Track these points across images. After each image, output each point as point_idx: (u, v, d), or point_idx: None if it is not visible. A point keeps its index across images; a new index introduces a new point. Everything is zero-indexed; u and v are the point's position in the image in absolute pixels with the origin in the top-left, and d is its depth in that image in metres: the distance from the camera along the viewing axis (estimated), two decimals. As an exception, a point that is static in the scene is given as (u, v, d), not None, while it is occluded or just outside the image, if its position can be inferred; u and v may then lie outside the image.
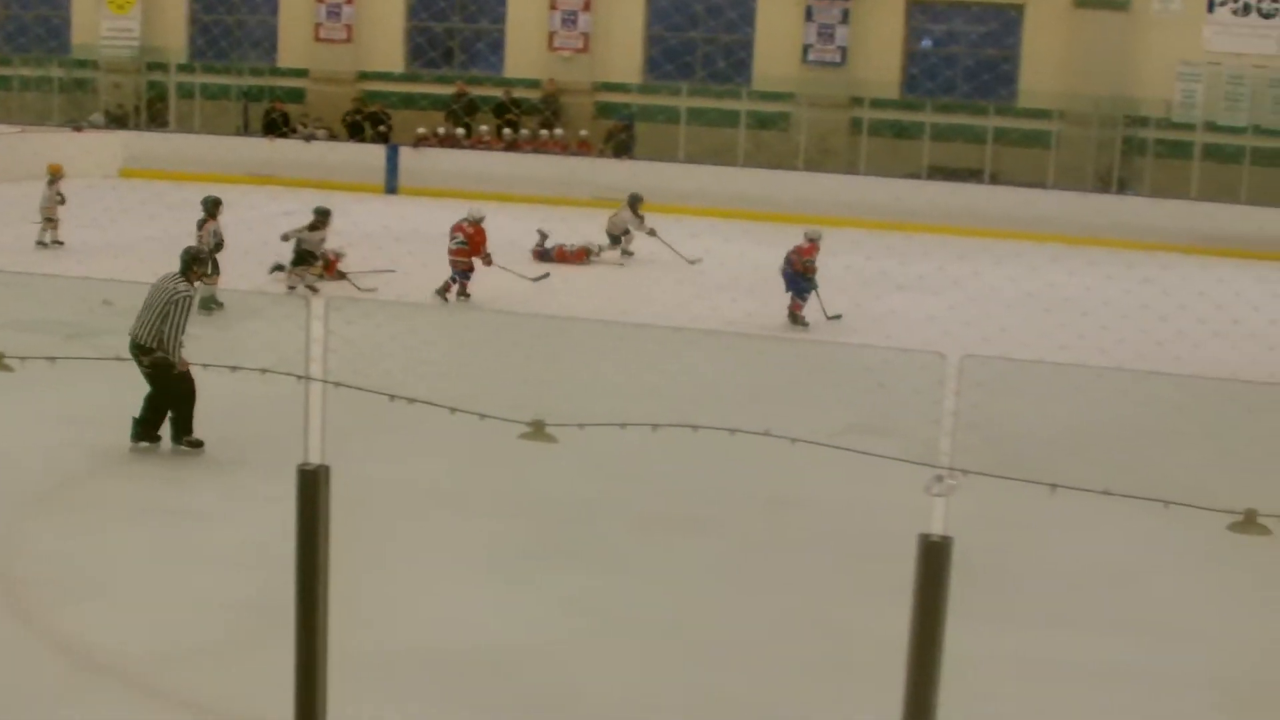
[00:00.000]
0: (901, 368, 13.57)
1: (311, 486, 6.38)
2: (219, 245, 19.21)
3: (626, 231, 26.87)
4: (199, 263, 13.75)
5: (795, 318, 20.33)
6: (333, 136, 37.03)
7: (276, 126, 36.99)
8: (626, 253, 26.95)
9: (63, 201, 24.46)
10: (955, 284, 19.42)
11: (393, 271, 21.62)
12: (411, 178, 35.23)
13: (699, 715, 8.78)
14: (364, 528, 10.73)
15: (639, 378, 15.85)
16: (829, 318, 20.10)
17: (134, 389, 13.81)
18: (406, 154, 35.83)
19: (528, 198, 33.01)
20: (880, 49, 36.56)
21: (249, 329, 11.93)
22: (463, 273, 21.28)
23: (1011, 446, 13.87)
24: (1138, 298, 19.14)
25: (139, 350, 13.04)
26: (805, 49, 36.62)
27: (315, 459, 6.37)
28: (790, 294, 20.61)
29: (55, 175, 24.71)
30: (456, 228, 21.52)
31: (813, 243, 20.68)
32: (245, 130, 38.42)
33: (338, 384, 6.51)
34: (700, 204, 31.59)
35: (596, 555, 11.30)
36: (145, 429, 13.39)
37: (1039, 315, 18.80)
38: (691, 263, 24.49)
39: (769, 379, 15.50)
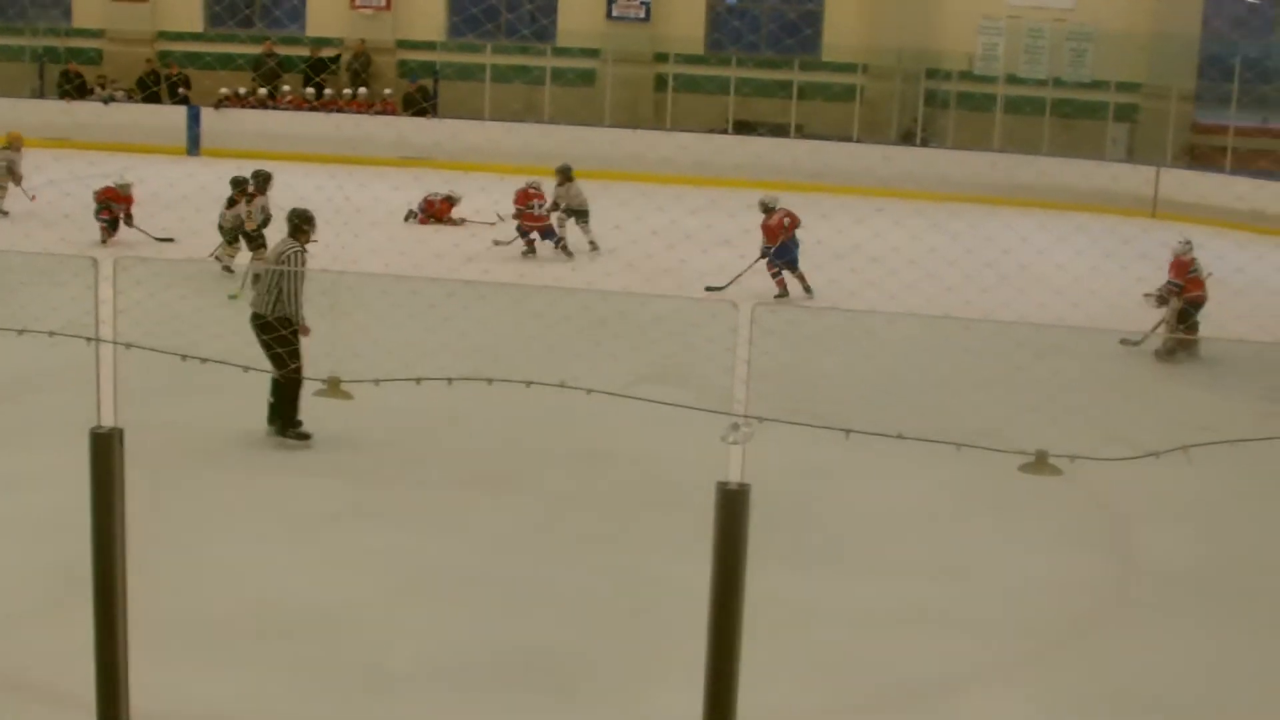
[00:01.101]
0: (694, 317, 13.72)
1: (105, 449, 6.29)
2: (266, 220, 19.22)
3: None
4: (308, 223, 13.29)
5: (806, 288, 20.23)
6: (132, 98, 36.29)
7: (73, 89, 36.15)
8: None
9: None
10: (749, 235, 19.65)
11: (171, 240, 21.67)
12: (214, 139, 34.66)
13: (510, 669, 8.80)
14: (164, 490, 10.62)
15: (433, 333, 15.82)
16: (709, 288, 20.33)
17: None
18: (208, 115, 35.24)
19: (332, 157, 32.68)
20: (685, 5, 36.68)
21: (37, 292, 11.64)
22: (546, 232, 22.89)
23: (806, 394, 14.08)
24: (926, 243, 19.49)
25: (260, 324, 12.58)
26: (609, 5, 36.61)
27: (108, 422, 6.28)
28: (779, 268, 20.40)
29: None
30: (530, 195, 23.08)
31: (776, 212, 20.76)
32: (41, 93, 37.50)
33: (129, 345, 6.41)
34: (506, 162, 31.45)
35: (402, 512, 11.28)
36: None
37: (830, 263, 19.07)
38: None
39: (561, 332, 15.54)
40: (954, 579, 10.50)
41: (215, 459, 12.29)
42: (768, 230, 20.44)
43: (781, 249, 20.25)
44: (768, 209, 20.62)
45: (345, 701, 8.37)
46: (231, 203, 19.54)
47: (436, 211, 26.02)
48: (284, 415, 12.62)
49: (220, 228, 19.75)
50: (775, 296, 19.82)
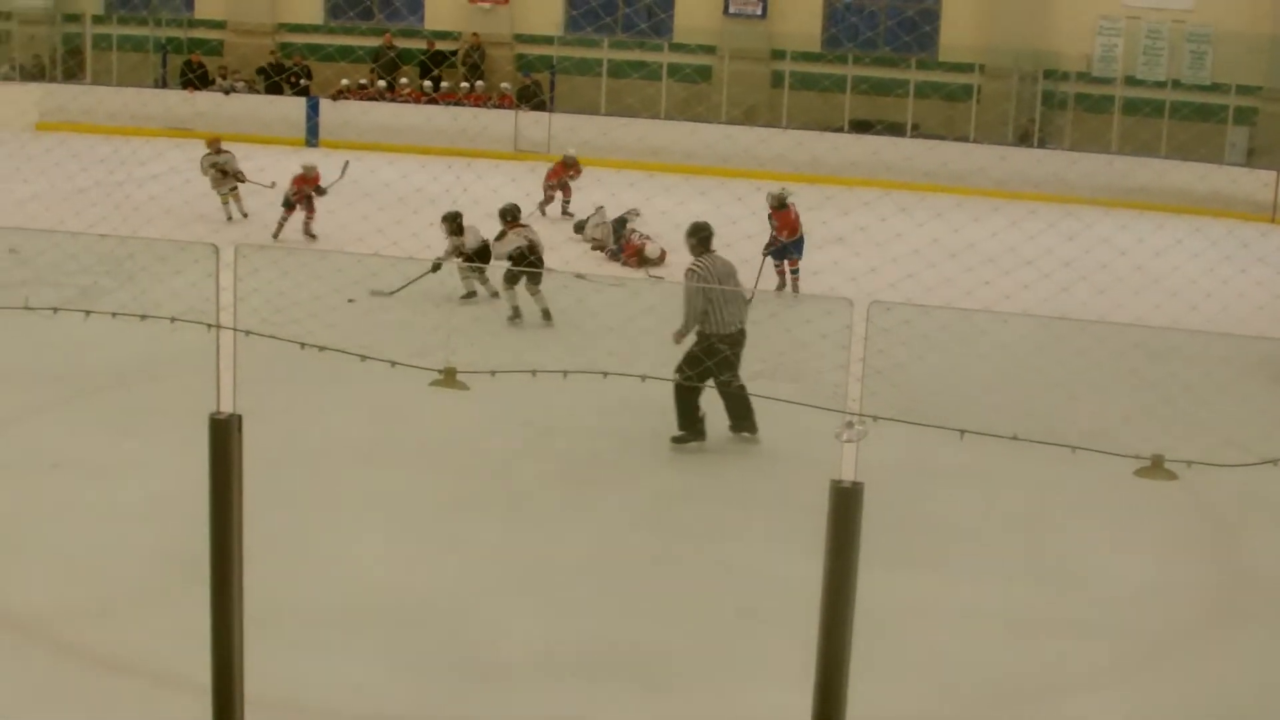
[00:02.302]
0: (809, 314, 13.68)
1: (224, 436, 6.35)
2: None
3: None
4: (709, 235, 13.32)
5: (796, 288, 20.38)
6: (252, 89, 36.70)
7: (195, 80, 36.61)
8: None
9: None
10: (864, 233, 19.50)
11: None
12: (331, 131, 34.97)
13: (615, 663, 8.82)
14: (278, 478, 10.72)
15: (547, 327, 15.91)
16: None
17: (37, 341, 13.73)
18: (327, 107, 35.57)
19: (448, 150, 32.84)
20: (802, 1, 36.54)
21: (157, 278, 11.79)
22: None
23: (917, 392, 13.99)
24: (1041, 244, 19.26)
25: (738, 339, 12.62)
26: (726, 2, 36.56)
27: (227, 408, 6.34)
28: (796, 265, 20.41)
29: None
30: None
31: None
32: (163, 83, 37.99)
33: (249, 332, 6.48)
34: (621, 158, 31.48)
35: (510, 505, 11.31)
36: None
37: (943, 261, 18.90)
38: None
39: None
40: (1062, 582, 10.40)
41: (329, 448, 12.39)
42: (788, 224, 20.11)
43: (797, 243, 20.19)
44: (781, 202, 20.20)
45: (453, 691, 8.41)
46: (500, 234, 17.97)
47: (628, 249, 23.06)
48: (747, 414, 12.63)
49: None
50: (778, 289, 20.18)
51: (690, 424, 12.47)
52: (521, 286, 16.76)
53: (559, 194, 26.89)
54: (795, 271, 20.35)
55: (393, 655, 8.75)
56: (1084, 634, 9.58)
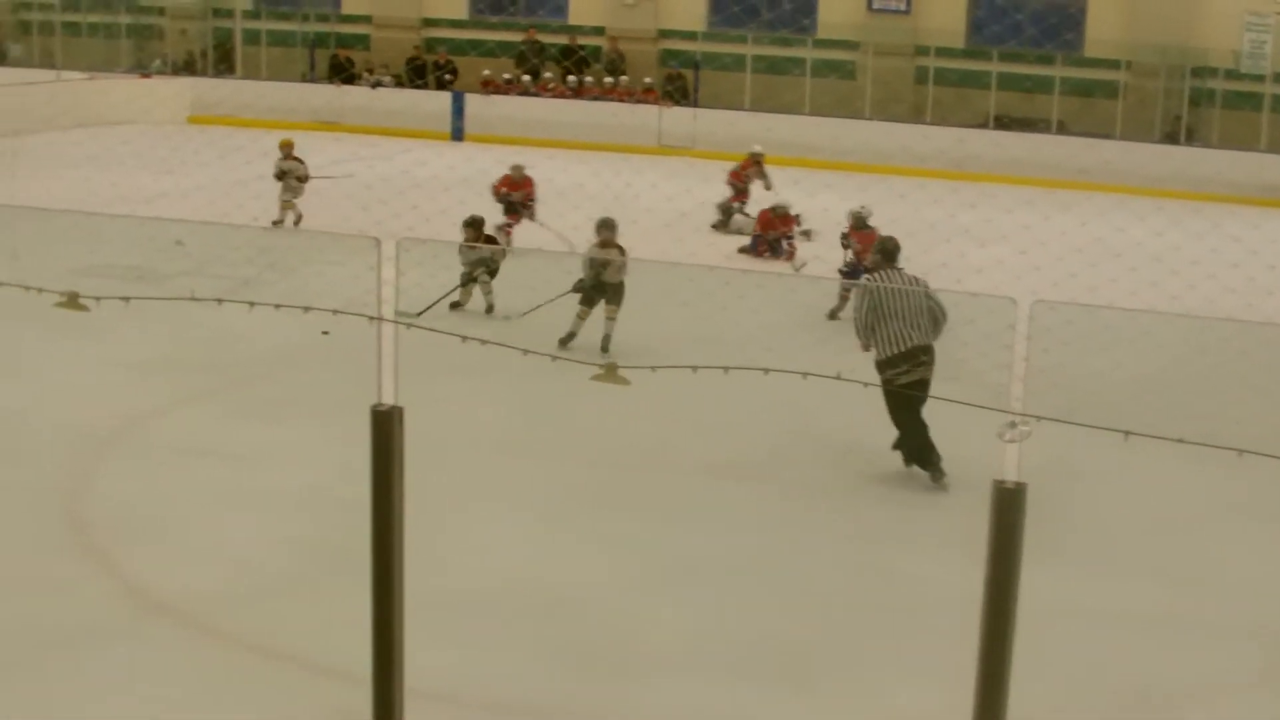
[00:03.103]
0: (971, 312, 13.51)
1: (386, 427, 6.39)
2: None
3: None
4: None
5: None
6: (398, 83, 37.06)
7: (342, 72, 37.04)
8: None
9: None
10: (1020, 232, 19.20)
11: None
12: (477, 124, 35.23)
13: (757, 660, 8.79)
14: (433, 470, 10.78)
15: (710, 320, 15.85)
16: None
17: (198, 332, 13.97)
18: (472, 100, 35.82)
19: (592, 145, 33.01)
20: (946, -4, 36.31)
21: (317, 270, 11.93)
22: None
23: (1078, 393, 13.82)
24: (1207, 244, 18.94)
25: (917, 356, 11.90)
26: (870, -3, 36.41)
27: (389, 400, 6.38)
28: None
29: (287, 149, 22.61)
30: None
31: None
32: (311, 76, 38.49)
33: (410, 324, 6.51)
34: (765, 152, 31.42)
35: (663, 500, 11.31)
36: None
37: (1107, 262, 18.61)
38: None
39: (839, 323, 15.47)
40: (1222, 588, 10.22)
41: (485, 440, 12.45)
42: (869, 247, 16.70)
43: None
44: (863, 221, 18.12)
45: (602, 683, 8.42)
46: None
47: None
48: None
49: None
50: (831, 313, 17.55)
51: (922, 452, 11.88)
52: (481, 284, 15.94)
53: (737, 192, 25.30)
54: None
55: (543, 647, 8.77)
56: (1239, 640, 9.41)
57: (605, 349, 14.90)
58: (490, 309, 16.00)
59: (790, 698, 8.38)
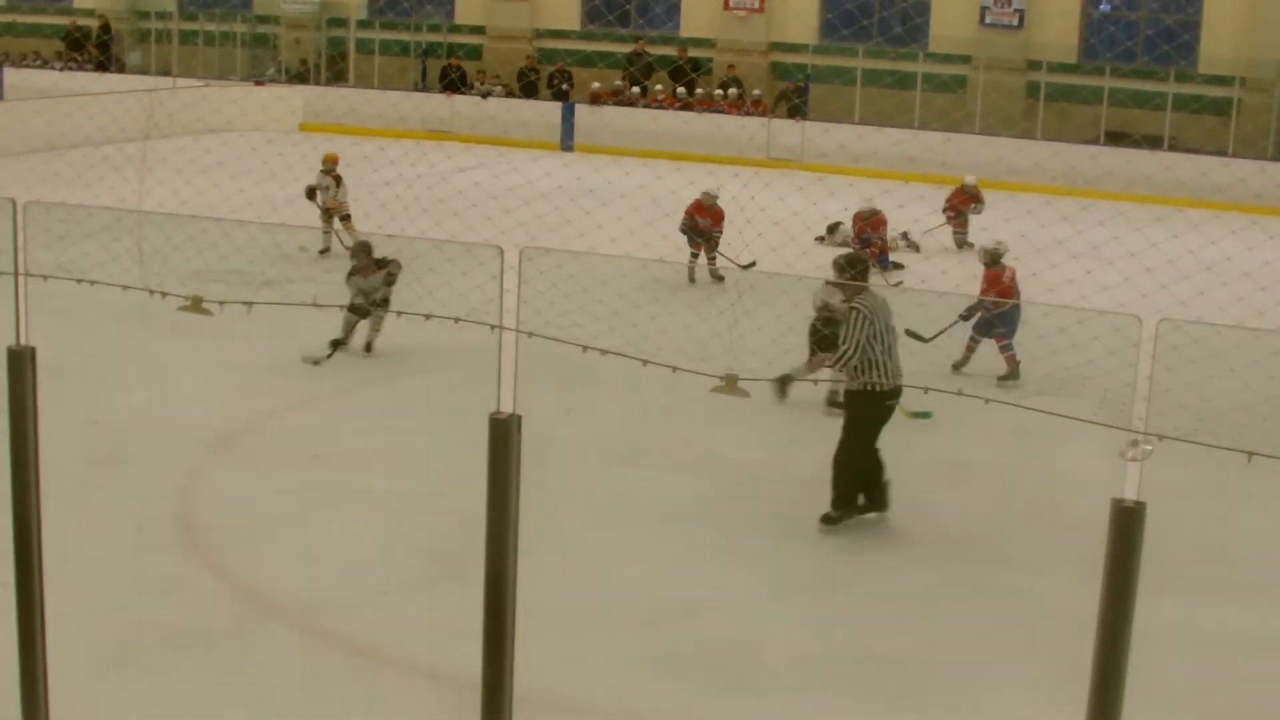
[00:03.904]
0: (1095, 329, 13.38)
1: (504, 436, 6.42)
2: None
3: None
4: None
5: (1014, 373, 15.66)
6: (509, 93, 37.29)
7: (454, 83, 37.31)
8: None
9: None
10: (1148, 250, 18.89)
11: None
12: (586, 135, 35.38)
13: (861, 674, 8.77)
14: (550, 479, 10.84)
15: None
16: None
17: (320, 336, 14.14)
18: (582, 111, 35.96)
19: (703, 157, 33.05)
20: (1058, 12, 36.02)
21: (441, 279, 11.94)
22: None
23: (1206, 412, 13.66)
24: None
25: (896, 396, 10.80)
26: (983, 11, 36.21)
27: (507, 408, 6.42)
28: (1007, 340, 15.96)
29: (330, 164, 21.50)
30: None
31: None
32: (423, 86, 38.81)
33: (530, 334, 6.55)
34: (874, 166, 31.33)
35: (772, 513, 11.29)
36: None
37: (1236, 281, 18.35)
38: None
39: (955, 339, 15.40)
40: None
41: (601, 448, 12.50)
42: (998, 288, 15.99)
43: (1008, 315, 15.44)
44: (995, 258, 16.28)
45: (708, 694, 8.44)
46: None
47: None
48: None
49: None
50: (957, 365, 15.57)
51: (849, 501, 10.95)
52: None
53: (953, 223, 24.50)
54: (1006, 348, 15.60)
55: (650, 656, 8.80)
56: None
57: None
58: (370, 347, 15.03)
59: (902, 715, 8.37)
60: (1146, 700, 6.47)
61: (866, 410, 10.65)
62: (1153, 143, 33.66)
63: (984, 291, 16.06)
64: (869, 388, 10.45)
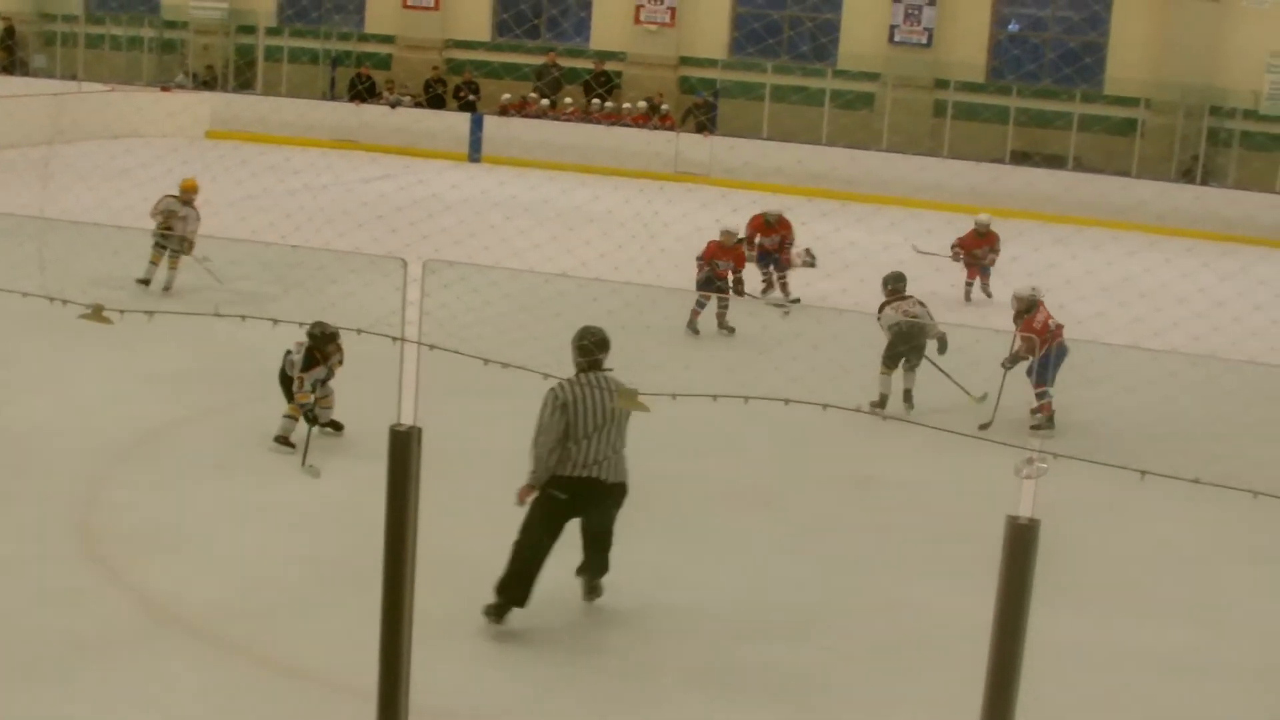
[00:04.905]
0: (993, 348, 13.52)
1: (404, 447, 6.42)
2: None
3: None
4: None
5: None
6: (418, 103, 37.20)
7: (362, 92, 37.19)
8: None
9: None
10: (1047, 270, 19.08)
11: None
12: (494, 147, 35.33)
13: (756, 686, 8.81)
14: (448, 491, 10.81)
15: (734, 351, 15.87)
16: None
17: (221, 347, 14.04)
18: (491, 123, 35.92)
19: (610, 170, 33.14)
20: (967, 31, 36.33)
21: (345, 290, 11.95)
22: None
23: (1105, 432, 13.83)
24: (1233, 286, 18.93)
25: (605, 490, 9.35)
26: (891, 30, 36.45)
27: (408, 420, 6.42)
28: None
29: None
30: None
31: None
32: (331, 95, 38.64)
33: (433, 346, 6.55)
34: (781, 182, 31.50)
35: (673, 527, 11.31)
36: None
37: (1134, 302, 18.58)
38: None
39: (863, 355, 15.51)
40: (1233, 629, 10.23)
41: (497, 460, 12.44)
42: (1036, 334, 14.43)
43: (1048, 360, 14.26)
44: (1031, 305, 15.05)
45: (603, 709, 8.44)
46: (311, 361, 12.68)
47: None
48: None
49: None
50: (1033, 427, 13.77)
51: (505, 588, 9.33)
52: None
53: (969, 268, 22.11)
54: (1042, 395, 14.04)
55: (548, 669, 8.80)
56: (1248, 681, 9.42)
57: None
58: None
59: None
60: (1039, 714, 6.54)
61: (544, 503, 9.19)
62: (1058, 163, 34.04)
63: (1036, 339, 14.46)
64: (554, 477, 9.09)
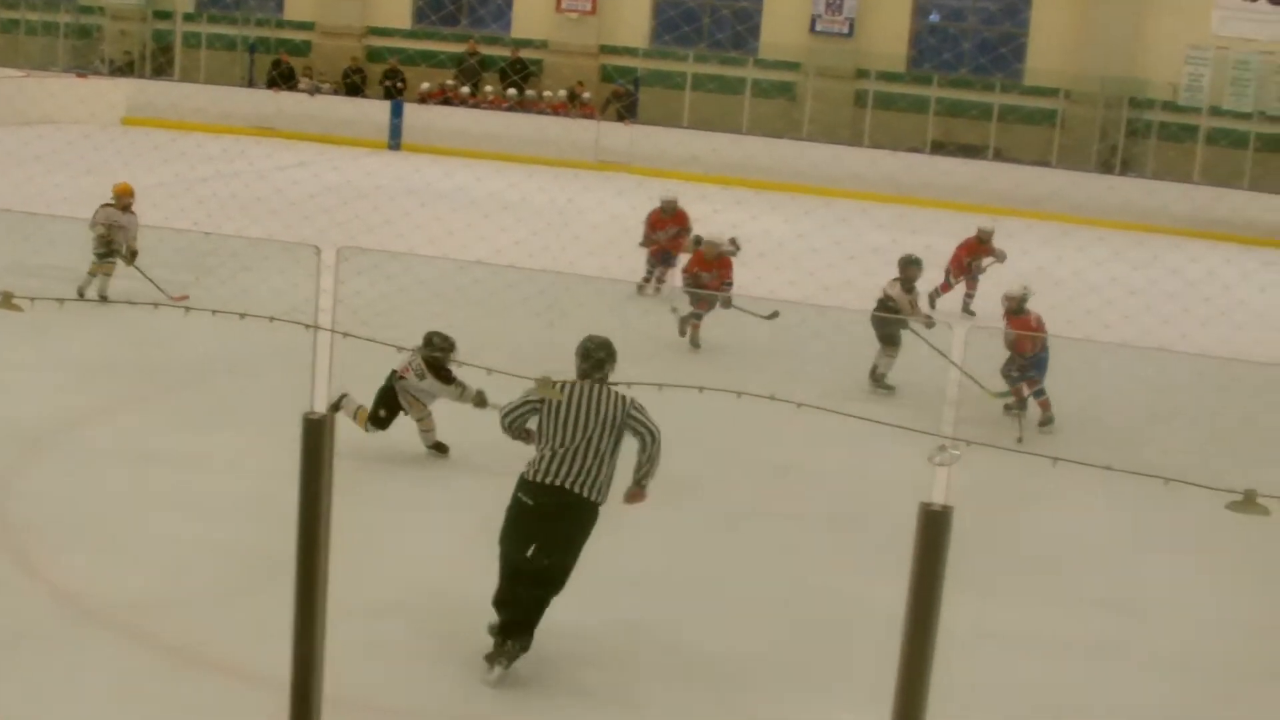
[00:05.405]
0: (911, 338, 13.57)
1: (316, 436, 6.37)
2: None
3: None
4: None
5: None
6: (336, 91, 37.01)
7: (279, 79, 36.94)
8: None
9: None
10: (933, 250, 19.02)
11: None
12: (414, 135, 35.20)
13: (676, 671, 8.81)
14: (363, 480, 10.77)
15: (652, 337, 15.84)
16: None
17: (134, 336, 13.90)
18: (411, 110, 35.78)
19: (530, 159, 33.10)
20: (888, 22, 36.56)
21: (259, 277, 11.86)
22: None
23: (1015, 419, 13.93)
24: (1146, 275, 19.09)
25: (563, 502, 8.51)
26: (813, 19, 36.60)
27: (321, 408, 6.37)
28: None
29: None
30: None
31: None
32: (250, 82, 38.37)
33: (346, 334, 6.50)
34: (701, 171, 31.54)
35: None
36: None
37: (1047, 291, 18.71)
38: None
39: (775, 344, 15.55)
40: (1143, 615, 10.31)
41: (411, 451, 12.42)
42: (1029, 332, 14.49)
43: (1039, 361, 14.29)
44: (1021, 305, 14.77)
45: (518, 697, 8.41)
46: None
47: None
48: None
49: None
50: (1041, 424, 14.43)
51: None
52: None
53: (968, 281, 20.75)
54: (1039, 393, 14.42)
55: (463, 657, 8.76)
56: (1159, 668, 9.50)
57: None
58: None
59: (711, 714, 8.41)
60: (951, 699, 6.56)
61: (510, 509, 8.54)
62: (976, 153, 34.30)
63: (1022, 340, 14.24)
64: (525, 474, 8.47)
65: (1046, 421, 14.49)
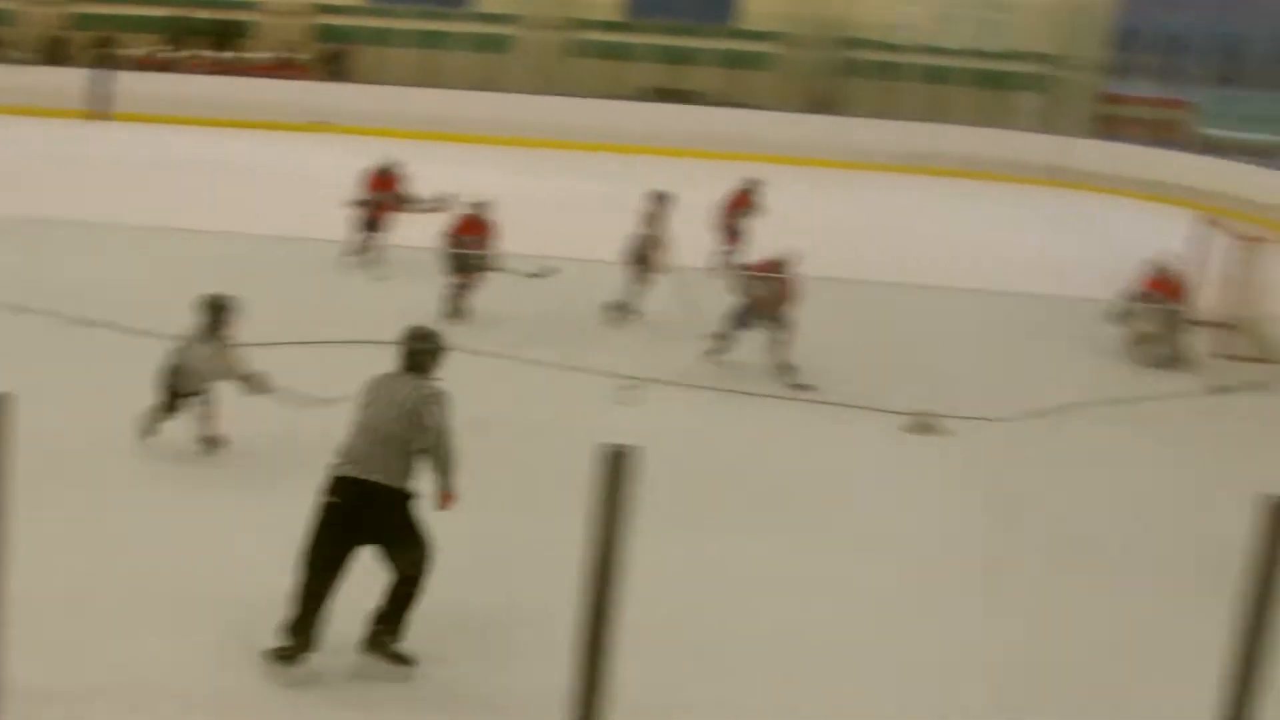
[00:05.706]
0: (597, 278, 13.37)
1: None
2: None
3: None
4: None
5: None
6: (40, 61, 35.94)
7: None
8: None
9: None
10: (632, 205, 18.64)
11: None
12: (122, 103, 34.29)
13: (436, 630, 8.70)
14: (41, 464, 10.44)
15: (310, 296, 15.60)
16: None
17: None
18: (118, 78, 34.82)
19: (242, 123, 32.61)
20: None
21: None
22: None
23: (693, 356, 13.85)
24: (850, 210, 19.32)
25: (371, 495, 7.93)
26: (530, -28, 36.57)
27: (-2, 388, 6.26)
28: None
29: None
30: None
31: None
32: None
33: (20, 310, 6.41)
34: (419, 128, 31.37)
35: (268, 478, 10.88)
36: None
37: (759, 230, 18.93)
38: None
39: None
40: (838, 540, 10.34)
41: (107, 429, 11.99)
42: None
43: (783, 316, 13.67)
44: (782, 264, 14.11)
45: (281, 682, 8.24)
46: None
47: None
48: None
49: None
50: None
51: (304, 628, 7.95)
52: None
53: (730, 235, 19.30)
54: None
55: (184, 636, 8.56)
56: (855, 591, 9.58)
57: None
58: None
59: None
60: (637, 641, 6.57)
61: (315, 513, 7.90)
62: (696, 99, 34.65)
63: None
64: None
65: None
